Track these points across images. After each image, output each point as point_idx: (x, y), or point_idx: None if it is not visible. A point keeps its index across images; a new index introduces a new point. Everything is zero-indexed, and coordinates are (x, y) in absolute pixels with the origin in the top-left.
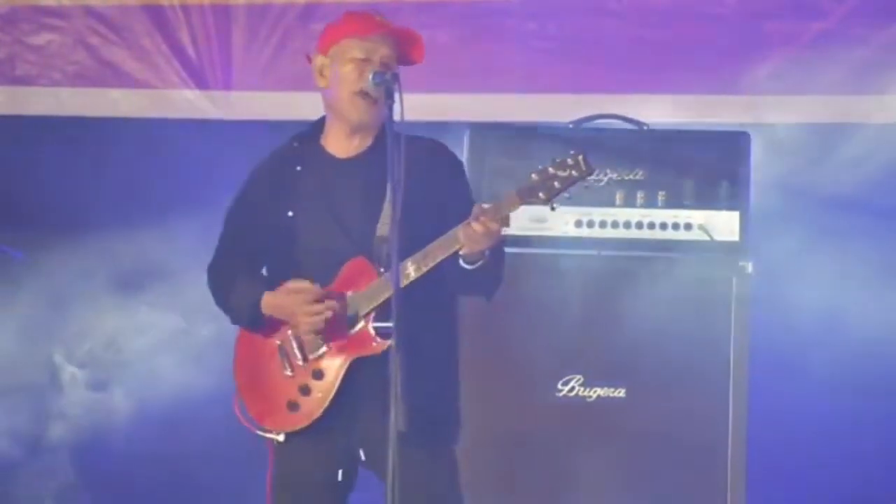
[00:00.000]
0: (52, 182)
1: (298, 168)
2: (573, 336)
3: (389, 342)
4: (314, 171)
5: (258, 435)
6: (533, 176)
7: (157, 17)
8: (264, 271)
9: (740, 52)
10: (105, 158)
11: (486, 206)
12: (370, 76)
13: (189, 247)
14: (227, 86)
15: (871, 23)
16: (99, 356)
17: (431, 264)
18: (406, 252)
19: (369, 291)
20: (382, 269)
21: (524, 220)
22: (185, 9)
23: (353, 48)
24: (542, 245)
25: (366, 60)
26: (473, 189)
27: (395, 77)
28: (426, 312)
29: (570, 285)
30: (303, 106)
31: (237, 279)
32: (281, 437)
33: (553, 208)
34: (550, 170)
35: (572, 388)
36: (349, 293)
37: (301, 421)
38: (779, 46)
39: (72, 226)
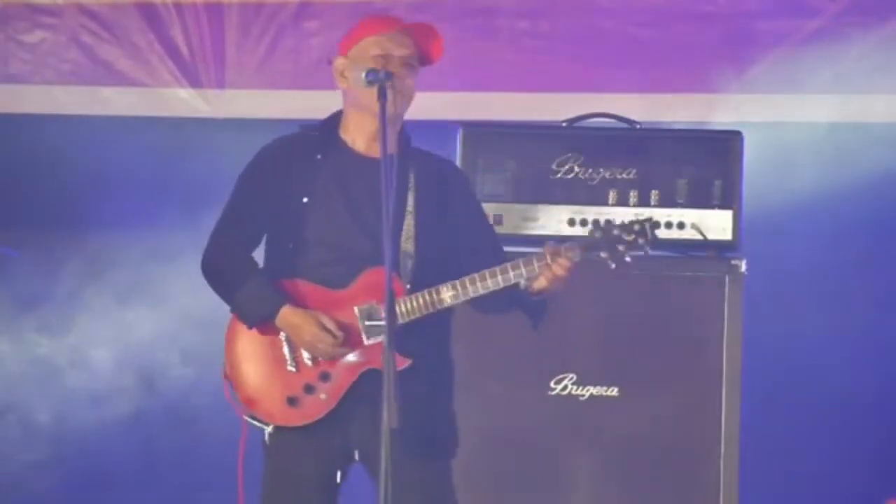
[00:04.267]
0: (47, 181)
1: (319, 156)
2: (566, 335)
3: (408, 361)
4: (334, 161)
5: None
6: (596, 233)
7: (151, 15)
8: (262, 247)
9: (733, 50)
10: (99, 157)
11: (562, 250)
12: (363, 74)
13: (186, 245)
14: (220, 84)
15: (865, 21)
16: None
17: (473, 294)
18: (431, 272)
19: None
20: (409, 285)
21: (517, 218)
22: (179, 7)
23: (372, 46)
24: (535, 243)
25: (385, 56)
26: None
27: (389, 75)
28: (430, 332)
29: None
30: (296, 104)
31: (249, 276)
32: (270, 429)
33: (615, 267)
34: (615, 231)
35: (565, 387)
36: (372, 302)
37: (299, 419)
38: (772, 45)
39: (68, 224)
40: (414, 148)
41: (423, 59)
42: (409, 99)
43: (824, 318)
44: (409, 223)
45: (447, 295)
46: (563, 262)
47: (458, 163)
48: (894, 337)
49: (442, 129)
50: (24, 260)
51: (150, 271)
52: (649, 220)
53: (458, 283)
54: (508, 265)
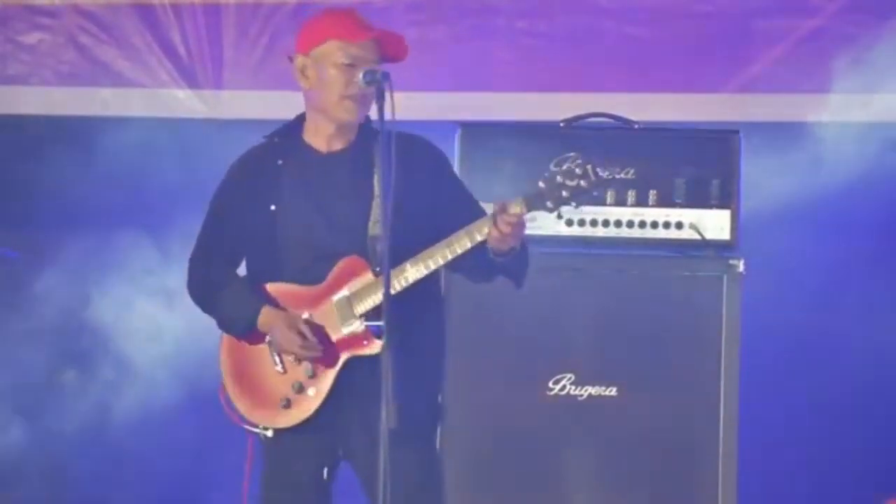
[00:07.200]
0: (45, 181)
1: (280, 162)
2: (564, 335)
3: (380, 342)
4: (296, 164)
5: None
6: (540, 184)
7: (148, 16)
8: (243, 265)
9: (731, 50)
10: (97, 158)
11: (507, 205)
12: (360, 75)
13: (182, 247)
14: (217, 85)
15: (863, 20)
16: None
17: (434, 266)
18: (400, 252)
19: (365, 290)
20: (378, 269)
21: None
22: (176, 8)
23: (338, 53)
24: (532, 244)
25: (351, 66)
26: None
27: (386, 76)
28: (415, 310)
29: (561, 284)
30: (294, 105)
31: (228, 285)
32: (269, 433)
33: (560, 216)
34: (558, 178)
35: (563, 387)
36: (346, 292)
37: (294, 418)
38: (770, 44)
39: (65, 225)
40: (388, 133)
41: (386, 60)
42: (369, 108)
43: (821, 319)
44: (375, 207)
45: (410, 272)
46: (508, 217)
47: (456, 163)
48: (894, 336)
49: (441, 129)
50: (23, 260)
51: (149, 271)
52: (590, 162)
53: (419, 258)
54: (462, 232)
